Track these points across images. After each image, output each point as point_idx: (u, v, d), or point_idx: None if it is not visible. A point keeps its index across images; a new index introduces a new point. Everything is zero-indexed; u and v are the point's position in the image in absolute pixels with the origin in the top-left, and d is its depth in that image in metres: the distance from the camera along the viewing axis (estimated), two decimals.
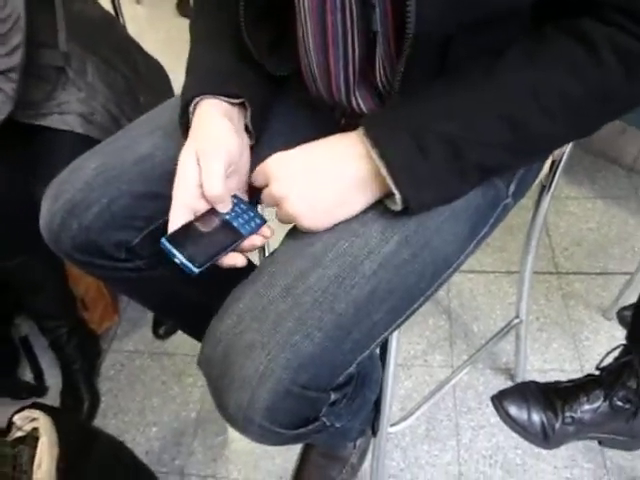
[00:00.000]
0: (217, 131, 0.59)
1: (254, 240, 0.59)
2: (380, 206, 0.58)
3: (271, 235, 0.61)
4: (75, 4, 1.14)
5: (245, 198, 0.63)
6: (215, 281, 0.75)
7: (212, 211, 0.59)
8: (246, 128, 0.65)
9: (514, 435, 1.18)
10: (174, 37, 2.53)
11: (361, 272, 0.55)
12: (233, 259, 0.58)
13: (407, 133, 0.52)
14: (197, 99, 0.62)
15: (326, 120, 0.70)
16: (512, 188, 0.65)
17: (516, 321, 1.11)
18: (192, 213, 0.58)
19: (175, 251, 0.55)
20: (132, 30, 1.39)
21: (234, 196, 0.61)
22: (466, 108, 0.53)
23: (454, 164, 0.53)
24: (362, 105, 0.65)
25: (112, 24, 1.25)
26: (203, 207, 0.58)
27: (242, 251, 0.59)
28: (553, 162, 0.83)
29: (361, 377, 0.66)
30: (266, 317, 0.53)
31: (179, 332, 1.44)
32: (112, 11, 1.41)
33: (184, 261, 0.54)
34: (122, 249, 0.68)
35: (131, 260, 0.70)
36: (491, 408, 1.21)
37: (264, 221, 0.61)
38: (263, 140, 0.68)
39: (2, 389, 1.31)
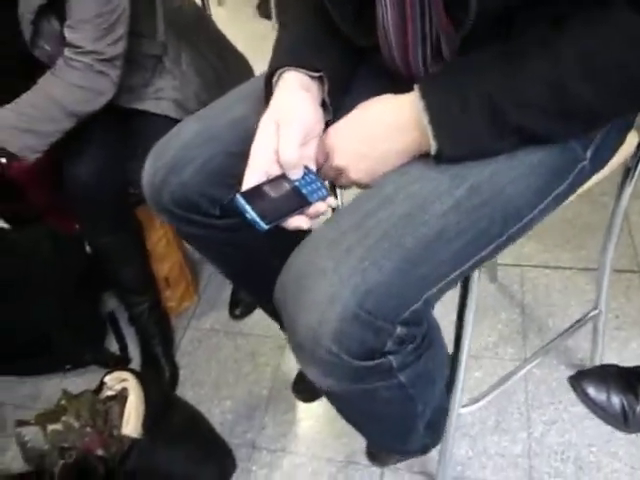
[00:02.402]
0: (296, 101, 0.64)
1: (319, 206, 0.62)
2: (452, 162, 0.60)
3: (335, 205, 0.65)
4: (174, 0, 1.23)
5: (314, 169, 0.66)
6: None
7: (283, 176, 0.62)
8: (323, 103, 0.69)
9: (588, 432, 1.16)
10: (254, 37, 2.62)
11: (431, 212, 0.58)
12: (298, 221, 0.61)
13: (452, 89, 0.56)
14: (280, 70, 0.66)
15: (405, 90, 0.72)
16: (589, 153, 0.65)
17: (594, 312, 1.08)
18: (265, 176, 0.62)
19: (247, 207, 0.58)
20: None
21: (304, 166, 0.64)
22: (512, 69, 0.55)
23: (491, 121, 0.56)
24: None
25: (205, 20, 1.33)
26: (276, 171, 0.62)
27: (307, 216, 0.62)
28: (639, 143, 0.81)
29: (429, 337, 0.67)
30: (338, 245, 0.57)
31: (254, 313, 1.51)
32: None
33: (254, 216, 0.58)
34: (216, 206, 0.74)
35: (223, 218, 0.75)
36: (564, 404, 1.20)
37: (328, 193, 0.64)
38: (342, 113, 0.72)
39: (93, 358, 1.42)
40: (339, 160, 0.63)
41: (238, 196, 0.59)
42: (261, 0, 2.83)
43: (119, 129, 1.22)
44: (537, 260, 1.50)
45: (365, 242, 0.57)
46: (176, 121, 1.15)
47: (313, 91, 0.67)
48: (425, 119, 0.57)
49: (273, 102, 0.65)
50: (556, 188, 0.64)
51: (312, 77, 0.67)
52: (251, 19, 2.82)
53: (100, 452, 0.96)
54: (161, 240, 1.40)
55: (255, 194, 0.60)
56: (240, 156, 0.70)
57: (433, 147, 0.58)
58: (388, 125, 0.61)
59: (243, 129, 0.71)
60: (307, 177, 0.64)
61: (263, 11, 2.76)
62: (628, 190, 0.86)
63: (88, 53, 1.01)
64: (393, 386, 0.65)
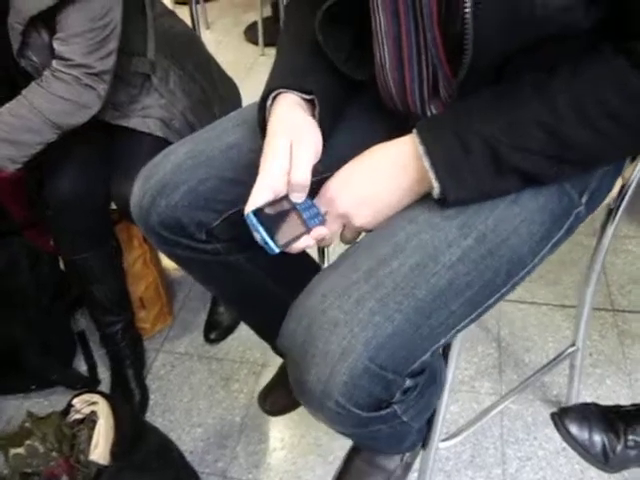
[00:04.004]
0: (304, 122, 0.64)
1: (320, 230, 0.62)
2: (457, 206, 0.60)
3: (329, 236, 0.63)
4: (166, 20, 1.23)
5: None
6: (286, 276, 0.78)
7: (285, 198, 0.61)
8: None
9: (562, 470, 1.15)
10: (240, 61, 2.65)
11: (441, 262, 0.58)
12: (306, 242, 0.60)
13: (452, 133, 0.57)
14: (274, 93, 0.66)
15: (399, 123, 0.73)
16: (585, 198, 0.67)
17: (572, 349, 1.09)
18: (273, 196, 0.61)
19: (260, 227, 0.57)
20: None
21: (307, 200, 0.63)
22: (509, 114, 0.56)
23: (492, 164, 0.56)
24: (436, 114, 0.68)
25: (196, 41, 1.33)
26: (283, 192, 0.61)
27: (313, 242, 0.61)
28: (623, 186, 0.83)
29: (432, 373, 0.67)
30: (349, 297, 0.56)
31: (229, 338, 1.48)
32: None
33: (266, 237, 0.56)
34: (203, 230, 0.72)
35: (210, 242, 0.74)
36: (539, 440, 1.20)
37: (324, 220, 0.63)
38: (339, 140, 0.72)
39: (60, 378, 1.37)
40: (341, 207, 0.62)
41: (250, 214, 0.57)
42: (249, 25, 2.86)
43: (104, 145, 1.20)
44: (513, 295, 1.50)
45: (376, 294, 0.56)
46: (161, 140, 1.16)
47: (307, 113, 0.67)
48: (426, 163, 0.57)
49: (279, 121, 0.64)
50: (555, 235, 0.65)
51: (305, 100, 0.67)
52: (238, 44, 2.84)
53: (65, 479, 0.92)
54: (138, 260, 1.38)
55: (263, 214, 0.58)
56: (231, 183, 0.70)
57: (436, 190, 0.58)
58: (389, 165, 0.61)
59: (236, 155, 0.71)
60: (305, 202, 0.63)
61: (250, 36, 2.79)
62: (610, 230, 0.87)
63: (77, 66, 1.00)
64: (395, 425, 0.66)
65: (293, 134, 0.62)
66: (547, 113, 0.55)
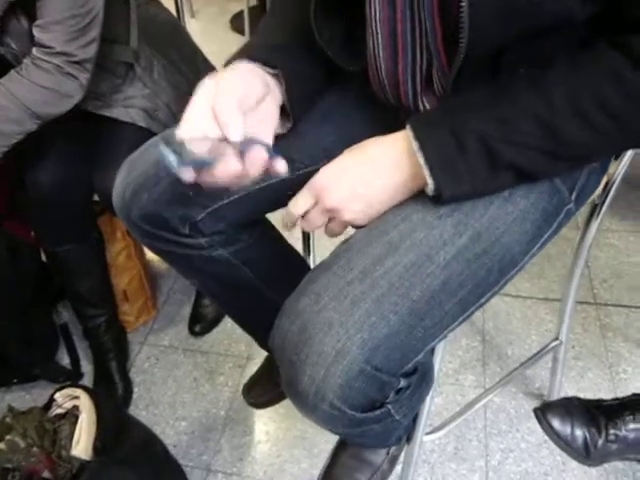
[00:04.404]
0: (239, 70, 0.61)
1: (256, 152, 0.55)
2: (452, 203, 0.60)
3: (284, 170, 0.58)
4: (150, 8, 1.21)
5: (270, 143, 0.61)
6: (270, 271, 0.78)
7: (225, 140, 0.55)
8: (283, 109, 0.66)
9: (544, 462, 1.17)
10: (226, 51, 2.59)
11: (436, 262, 0.57)
12: (228, 165, 0.55)
13: (447, 129, 0.55)
14: (235, 62, 0.63)
15: (391, 117, 0.72)
16: (574, 195, 0.66)
17: (555, 343, 1.10)
18: (201, 133, 0.55)
19: (167, 150, 0.52)
20: None
21: (253, 139, 0.57)
22: (504, 108, 0.55)
23: (488, 161, 0.55)
24: (428, 108, 0.68)
25: (181, 32, 1.31)
26: (214, 131, 0.56)
27: (248, 169, 0.56)
28: (607, 182, 0.83)
29: (422, 371, 0.68)
30: (344, 297, 0.55)
31: (214, 331, 1.47)
32: None
33: (170, 156, 0.52)
34: (186, 224, 0.71)
35: (193, 236, 0.73)
36: (522, 432, 1.21)
37: (278, 156, 0.57)
38: (326, 132, 0.71)
39: (42, 372, 1.35)
40: (331, 200, 0.59)
41: (160, 141, 0.53)
42: (235, 15, 2.83)
43: (86, 135, 1.18)
44: None
45: (372, 294, 0.55)
46: (145, 130, 1.14)
47: (272, 87, 0.63)
48: (420, 159, 0.56)
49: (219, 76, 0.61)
50: (546, 232, 0.65)
51: (270, 74, 0.64)
52: (224, 33, 2.81)
53: (47, 474, 0.91)
54: (122, 252, 1.36)
55: (186, 147, 0.53)
56: None
57: (430, 186, 0.57)
58: (382, 161, 0.59)
59: None
60: (251, 141, 0.57)
61: (236, 26, 2.75)
62: (594, 225, 0.88)
63: (58, 54, 0.97)
64: (387, 423, 0.66)
65: (220, 74, 0.59)
66: (543, 106, 0.54)
